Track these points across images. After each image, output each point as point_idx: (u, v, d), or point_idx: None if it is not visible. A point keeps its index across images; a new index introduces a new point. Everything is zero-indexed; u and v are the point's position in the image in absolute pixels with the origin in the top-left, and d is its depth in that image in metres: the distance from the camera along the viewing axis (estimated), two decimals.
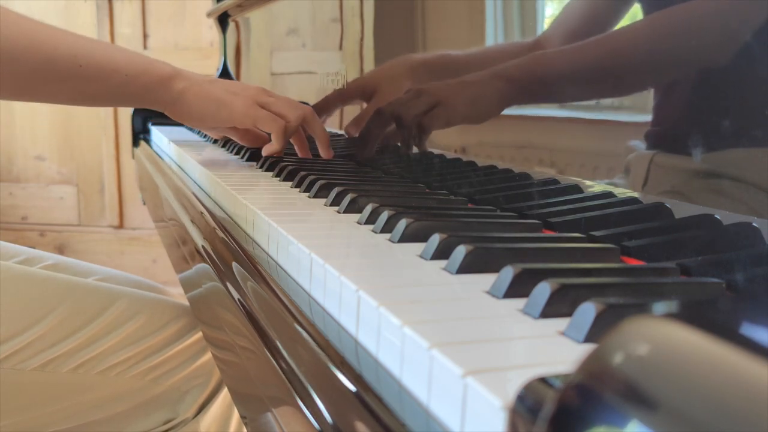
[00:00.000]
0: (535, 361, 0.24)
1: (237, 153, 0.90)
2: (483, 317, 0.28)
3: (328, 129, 0.93)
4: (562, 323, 0.27)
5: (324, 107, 0.89)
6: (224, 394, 0.82)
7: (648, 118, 0.41)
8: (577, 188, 0.47)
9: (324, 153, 0.79)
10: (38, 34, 0.66)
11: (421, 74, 0.66)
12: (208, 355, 0.80)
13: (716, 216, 0.36)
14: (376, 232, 0.45)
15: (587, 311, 0.26)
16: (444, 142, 0.63)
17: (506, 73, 0.51)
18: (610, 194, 0.44)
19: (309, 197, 0.59)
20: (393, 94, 0.70)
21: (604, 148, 0.46)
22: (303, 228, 0.45)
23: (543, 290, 0.29)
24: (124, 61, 0.70)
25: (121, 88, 0.70)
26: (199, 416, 0.79)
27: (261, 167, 0.78)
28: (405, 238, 0.42)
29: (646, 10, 0.41)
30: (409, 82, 0.68)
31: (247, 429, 0.42)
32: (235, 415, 0.85)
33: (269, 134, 0.77)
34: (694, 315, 0.16)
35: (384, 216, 0.45)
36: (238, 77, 1.42)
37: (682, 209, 0.38)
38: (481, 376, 0.22)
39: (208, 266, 0.53)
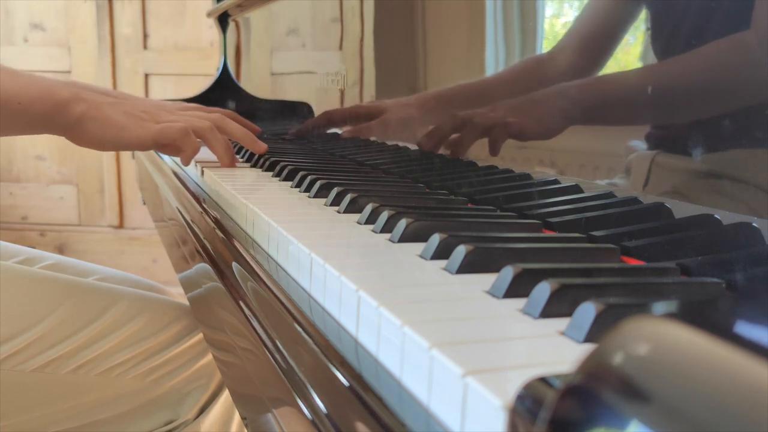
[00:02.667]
0: (535, 361, 0.24)
1: (237, 153, 0.90)
2: (483, 317, 0.28)
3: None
4: (562, 323, 0.27)
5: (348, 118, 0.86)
6: (225, 395, 0.82)
7: (648, 118, 0.41)
8: (577, 188, 0.47)
9: (255, 149, 0.78)
10: None
11: (432, 106, 0.66)
12: (209, 357, 0.80)
13: (716, 216, 0.36)
14: (376, 232, 0.45)
15: (587, 311, 0.26)
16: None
17: (569, 94, 0.50)
18: (610, 194, 0.44)
19: (309, 197, 0.59)
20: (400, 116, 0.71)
21: (604, 148, 0.46)
22: (303, 228, 0.45)
23: (543, 290, 0.29)
24: (17, 88, 0.67)
25: (17, 117, 0.68)
26: (200, 418, 0.79)
27: (261, 167, 0.78)
28: (405, 238, 0.42)
29: (653, 16, 0.41)
30: (416, 111, 0.68)
31: (247, 430, 0.42)
32: (237, 417, 0.85)
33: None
34: (694, 315, 0.16)
35: (384, 216, 0.45)
36: (238, 77, 1.42)
37: (682, 209, 0.38)
38: (481, 376, 0.22)
39: (208, 266, 0.53)
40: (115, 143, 0.71)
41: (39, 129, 0.71)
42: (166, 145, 0.74)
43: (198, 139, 0.74)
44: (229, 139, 0.79)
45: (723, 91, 0.36)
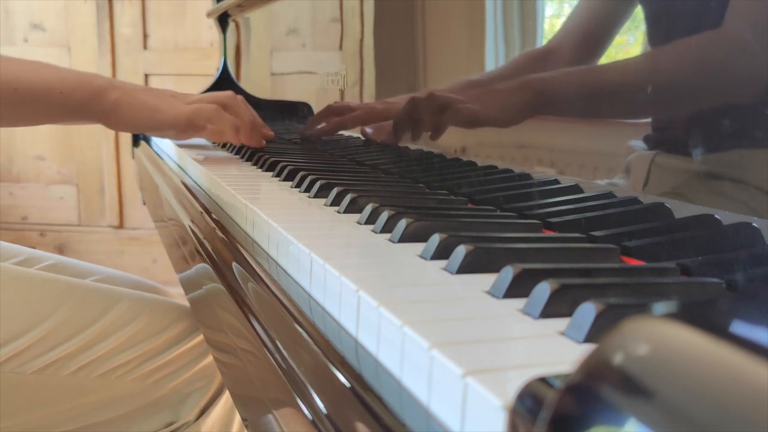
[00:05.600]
0: (535, 361, 0.24)
1: (237, 153, 0.91)
2: (483, 317, 0.28)
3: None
4: (562, 323, 0.27)
5: (369, 118, 0.85)
6: (226, 396, 0.82)
7: (648, 118, 0.41)
8: (577, 188, 0.47)
9: (252, 141, 0.82)
10: None
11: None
12: (209, 358, 0.80)
13: (716, 216, 0.36)
14: (376, 232, 0.45)
15: (587, 311, 0.26)
16: (444, 142, 0.63)
17: (535, 85, 0.51)
18: (610, 194, 0.44)
19: (309, 197, 0.59)
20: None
21: (604, 148, 0.46)
22: (303, 228, 0.45)
23: (543, 290, 0.29)
24: (57, 79, 0.72)
25: (58, 106, 0.72)
26: (200, 419, 0.79)
27: (261, 167, 0.78)
28: (405, 238, 0.42)
29: (648, 9, 0.41)
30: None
31: (248, 431, 0.42)
32: (237, 419, 0.85)
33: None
34: (694, 315, 0.16)
35: (384, 216, 0.45)
36: (238, 77, 1.42)
37: (682, 209, 0.38)
38: (481, 376, 0.22)
39: (208, 266, 0.53)
40: (150, 125, 0.77)
41: (78, 117, 0.76)
42: (199, 126, 0.79)
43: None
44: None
45: (710, 74, 0.36)
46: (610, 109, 0.44)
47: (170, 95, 0.79)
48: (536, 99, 0.50)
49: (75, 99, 0.72)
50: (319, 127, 0.92)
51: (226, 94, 0.81)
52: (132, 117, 0.75)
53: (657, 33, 0.41)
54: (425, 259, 0.38)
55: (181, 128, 0.78)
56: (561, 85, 0.48)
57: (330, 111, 0.89)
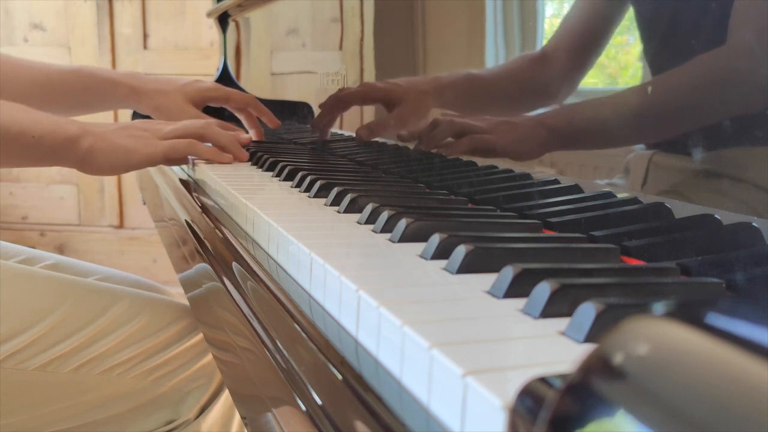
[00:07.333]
0: (535, 361, 0.24)
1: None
2: (483, 317, 0.28)
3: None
4: (562, 323, 0.27)
5: (343, 103, 0.88)
6: (226, 395, 0.82)
7: (654, 132, 0.41)
8: (577, 188, 0.47)
9: (239, 157, 0.82)
10: None
11: (446, 95, 0.66)
12: (209, 357, 0.80)
13: (716, 216, 0.36)
14: (376, 232, 0.45)
15: (587, 311, 0.26)
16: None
17: (548, 122, 0.51)
18: (610, 194, 0.44)
19: (309, 197, 0.59)
20: (416, 107, 0.70)
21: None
22: (303, 228, 0.45)
23: (543, 290, 0.29)
24: (29, 122, 0.70)
25: (30, 150, 0.71)
26: (200, 417, 0.79)
27: (261, 167, 0.78)
28: (405, 238, 0.42)
29: (640, 13, 0.41)
30: (433, 100, 0.68)
31: (247, 429, 0.42)
32: (237, 417, 0.85)
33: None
34: (694, 315, 0.16)
35: (384, 216, 0.45)
36: (238, 77, 1.42)
37: (682, 209, 0.38)
38: (481, 376, 0.22)
39: (208, 266, 0.53)
40: (127, 166, 0.75)
41: (50, 161, 0.75)
42: (176, 160, 0.79)
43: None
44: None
45: (716, 92, 0.36)
46: (623, 136, 0.44)
47: (143, 129, 0.78)
48: (554, 138, 0.50)
49: (46, 144, 0.71)
50: (327, 119, 0.92)
51: (199, 125, 0.80)
52: (108, 162, 0.74)
53: (651, 35, 0.41)
54: (425, 259, 0.38)
55: (159, 164, 0.78)
56: (578, 120, 0.48)
57: (334, 98, 0.89)
